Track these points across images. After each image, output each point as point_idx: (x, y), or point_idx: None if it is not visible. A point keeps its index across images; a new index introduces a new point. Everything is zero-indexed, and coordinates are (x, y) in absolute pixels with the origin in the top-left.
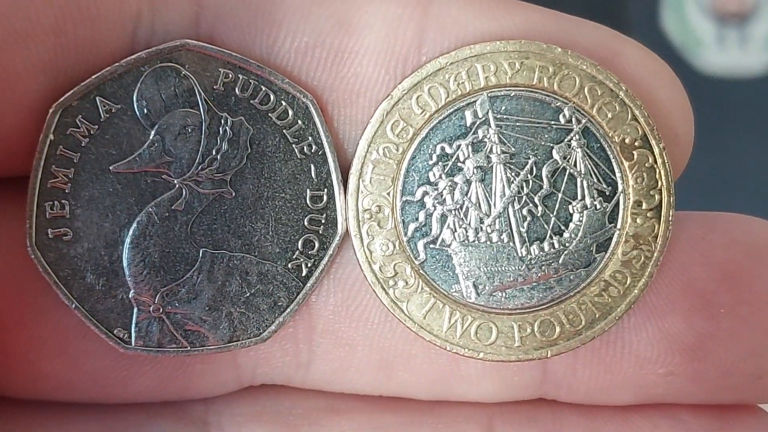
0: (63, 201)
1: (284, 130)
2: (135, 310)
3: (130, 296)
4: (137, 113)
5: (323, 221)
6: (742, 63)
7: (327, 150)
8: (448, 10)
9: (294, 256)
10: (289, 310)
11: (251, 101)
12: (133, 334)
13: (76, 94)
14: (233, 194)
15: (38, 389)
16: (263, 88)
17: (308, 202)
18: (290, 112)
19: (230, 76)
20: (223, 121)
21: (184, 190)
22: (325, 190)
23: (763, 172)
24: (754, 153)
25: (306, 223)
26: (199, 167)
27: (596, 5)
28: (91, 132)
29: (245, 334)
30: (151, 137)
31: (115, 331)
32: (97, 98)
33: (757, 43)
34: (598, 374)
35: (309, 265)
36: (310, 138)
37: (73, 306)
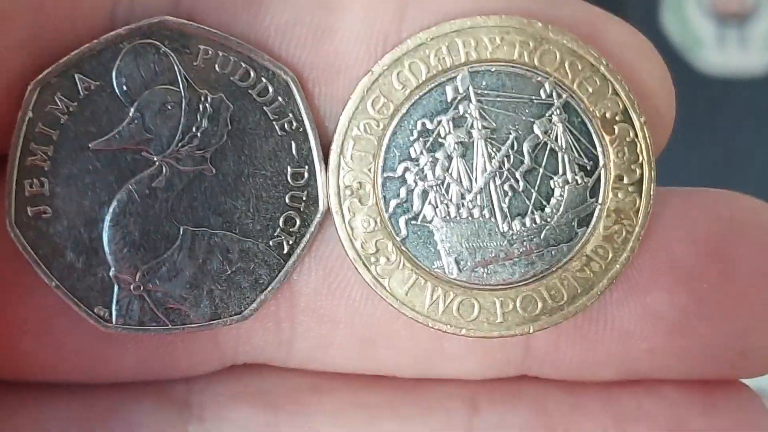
0: (42, 179)
1: (264, 107)
2: (115, 288)
3: (110, 274)
4: (116, 90)
5: (304, 198)
6: (742, 63)
7: (308, 127)
8: None
9: (275, 234)
10: (270, 287)
11: (231, 78)
12: (114, 313)
13: (55, 71)
14: (213, 171)
15: (20, 370)
16: (243, 65)
17: (289, 179)
18: (270, 89)
19: (210, 53)
20: (203, 98)
21: (164, 168)
22: (306, 167)
23: (763, 172)
24: (755, 153)
25: (287, 201)
26: (179, 144)
27: (596, 5)
28: (70, 109)
29: (226, 311)
30: (130, 114)
31: (95, 310)
32: (75, 75)
33: (757, 43)
34: (581, 350)
35: (290, 242)
36: (290, 115)
37: (54, 284)
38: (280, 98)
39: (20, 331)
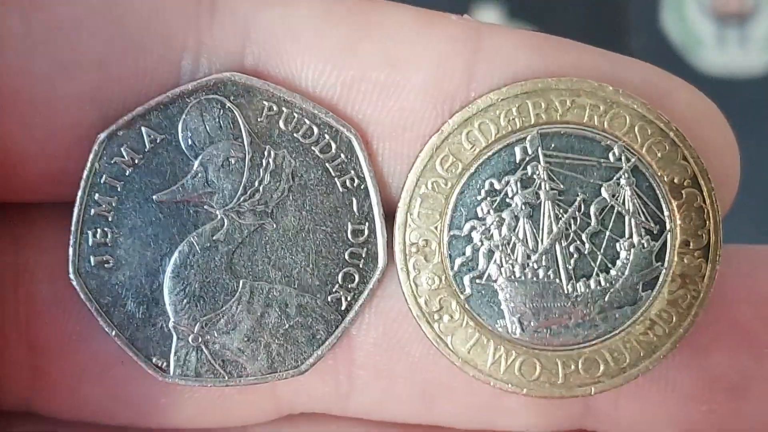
0: (106, 229)
1: (327, 164)
2: (174, 339)
3: (169, 325)
4: (182, 144)
5: (364, 255)
6: (742, 63)
7: (369, 184)
8: (498, 47)
9: (334, 290)
10: (327, 343)
11: (294, 134)
12: (172, 363)
13: (122, 124)
14: (274, 226)
15: (79, 412)
16: (307, 122)
17: (349, 235)
18: (333, 146)
19: (274, 108)
20: (266, 154)
21: (225, 221)
22: (367, 224)
23: (763, 172)
24: (755, 153)
25: (346, 257)
26: (241, 198)
27: (596, 5)
28: (136, 161)
29: (283, 366)
30: (194, 168)
31: (154, 360)
32: (142, 128)
33: (757, 43)
34: (641, 409)
35: (348, 298)
36: (352, 172)
37: (114, 333)
38: (342, 155)
39: (80, 377)
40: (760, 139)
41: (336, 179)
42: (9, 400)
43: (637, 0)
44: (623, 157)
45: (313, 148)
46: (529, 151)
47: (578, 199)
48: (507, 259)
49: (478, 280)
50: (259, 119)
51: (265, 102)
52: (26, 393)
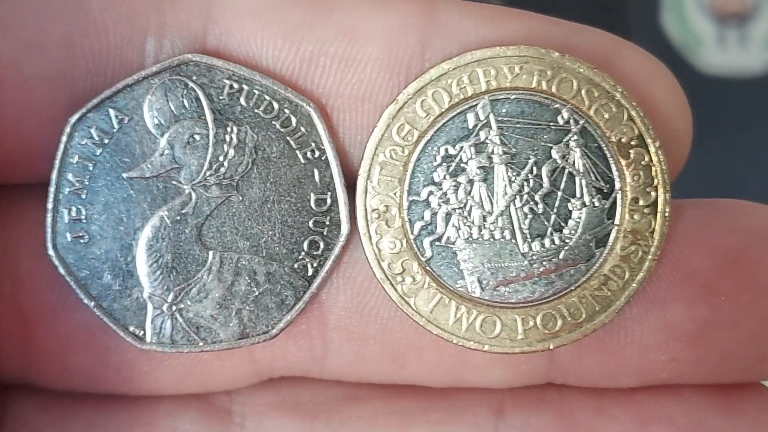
0: (80, 206)
1: (288, 137)
2: (150, 308)
3: (144, 295)
4: (148, 123)
5: (327, 223)
6: (742, 63)
7: (330, 155)
8: (450, 18)
9: (300, 257)
10: (296, 308)
11: (255, 110)
12: (148, 331)
13: (91, 106)
14: (240, 198)
15: (67, 381)
16: (267, 98)
17: (312, 205)
18: (293, 120)
19: (235, 86)
20: (229, 130)
21: (193, 195)
22: (329, 193)
23: (763, 172)
24: (755, 153)
25: (311, 225)
26: (207, 173)
27: (596, 5)
28: (106, 141)
29: (255, 331)
30: (161, 146)
31: (131, 329)
32: (110, 109)
33: (757, 43)
34: (603, 362)
35: (315, 264)
36: (313, 144)
37: (92, 305)
38: (302, 128)
39: (67, 347)
40: (760, 139)
41: (297, 151)
42: (4, 372)
43: (637, 0)
44: (572, 120)
45: (274, 122)
46: (481, 117)
47: (530, 161)
48: (464, 221)
49: (437, 243)
50: (221, 97)
51: (226, 80)
52: (19, 365)
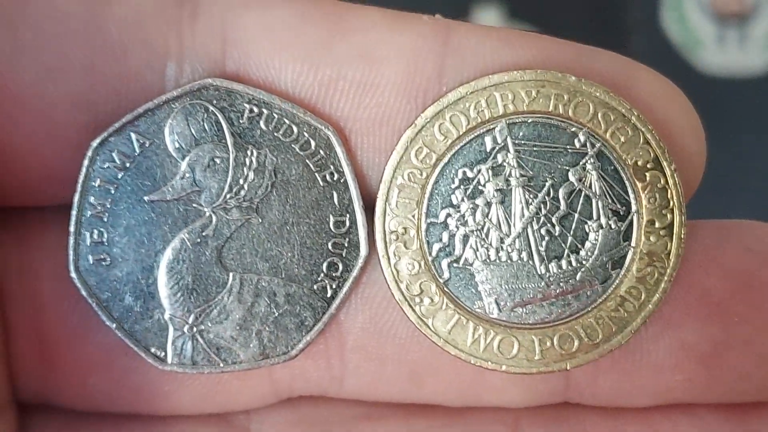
0: (102, 229)
1: (307, 160)
2: (171, 329)
3: (165, 317)
4: (169, 147)
5: (346, 245)
6: (742, 63)
7: (348, 177)
8: (467, 41)
9: (319, 278)
10: (315, 329)
11: (275, 133)
12: (169, 353)
13: (113, 130)
14: (260, 220)
15: (88, 401)
16: (286, 121)
17: (331, 227)
18: (312, 143)
19: (255, 110)
20: (248, 153)
21: (213, 217)
22: (348, 215)
23: (763, 172)
24: (755, 153)
25: (330, 247)
26: (227, 196)
27: (597, 5)
28: (127, 165)
29: (274, 351)
30: (182, 169)
31: (152, 350)
32: (131, 133)
33: (757, 43)
34: (619, 382)
35: (334, 286)
36: (332, 167)
37: (114, 326)
38: (321, 151)
39: (87, 367)
40: (760, 139)
41: (316, 174)
42: (25, 392)
43: (637, 0)
44: (588, 143)
45: (293, 145)
46: (499, 141)
47: (547, 184)
48: (482, 243)
49: (455, 264)
50: (241, 121)
51: (246, 104)
52: (40, 385)
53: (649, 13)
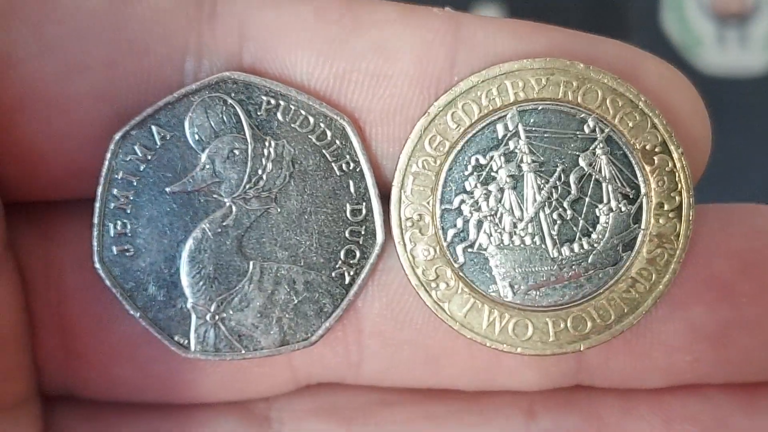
0: (125, 221)
1: (323, 150)
2: (193, 317)
3: (188, 305)
4: (189, 139)
5: (363, 232)
6: (742, 63)
7: (364, 167)
8: (476, 33)
9: (337, 266)
10: (334, 315)
11: (292, 125)
12: (192, 340)
13: (134, 124)
14: (279, 210)
15: (111, 391)
16: (303, 113)
17: (348, 215)
18: (329, 134)
19: (272, 102)
20: (267, 144)
21: (233, 208)
22: (364, 203)
23: (763, 172)
24: (755, 153)
25: (347, 235)
26: (247, 186)
27: (596, 5)
28: (149, 157)
29: (294, 338)
30: (202, 161)
31: (176, 338)
32: (152, 126)
33: (757, 43)
34: (630, 363)
35: (351, 273)
36: (347, 156)
37: (138, 315)
38: (337, 141)
39: (111, 358)
40: (760, 139)
41: (333, 164)
42: (49, 384)
43: (637, 0)
44: (597, 129)
45: (310, 136)
46: (510, 128)
47: (558, 169)
48: (495, 228)
49: (469, 249)
50: (258, 113)
51: (263, 97)
52: (64, 377)
53: (649, 13)
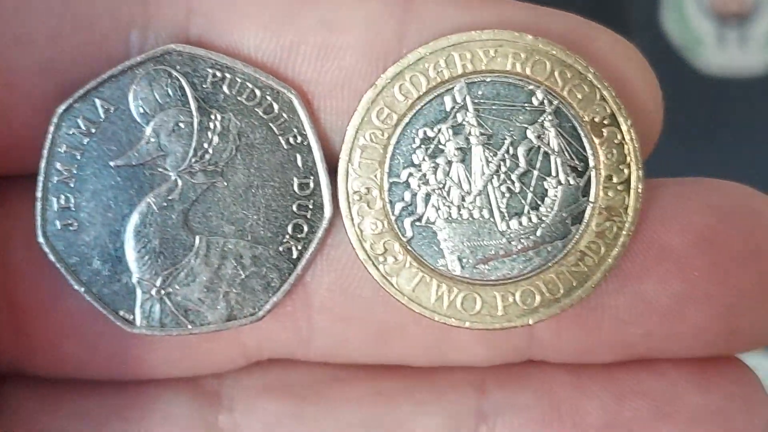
0: (69, 195)
1: (270, 123)
2: (138, 292)
3: (133, 280)
4: (133, 112)
5: (311, 207)
6: (742, 63)
7: (312, 140)
8: (427, 6)
9: (284, 240)
10: (282, 290)
11: (238, 98)
12: (137, 315)
13: (77, 97)
14: (225, 184)
15: (59, 368)
16: (249, 85)
17: (296, 189)
18: (275, 106)
19: (218, 75)
20: (213, 117)
21: (179, 181)
22: (312, 177)
23: (763, 172)
24: (755, 153)
25: (295, 209)
26: (192, 160)
27: (596, 5)
28: (92, 131)
29: (242, 313)
30: (147, 134)
31: (121, 313)
32: (96, 99)
33: (757, 43)
34: (581, 337)
35: (299, 247)
36: (295, 130)
37: (82, 290)
38: (284, 114)
39: (58, 334)
40: (760, 139)
41: (280, 137)
42: None
43: (637, 0)
44: (546, 101)
45: (256, 109)
46: (458, 100)
47: (506, 142)
48: (443, 201)
49: (417, 223)
50: (204, 86)
51: (209, 69)
52: (11, 353)
53: (649, 13)
